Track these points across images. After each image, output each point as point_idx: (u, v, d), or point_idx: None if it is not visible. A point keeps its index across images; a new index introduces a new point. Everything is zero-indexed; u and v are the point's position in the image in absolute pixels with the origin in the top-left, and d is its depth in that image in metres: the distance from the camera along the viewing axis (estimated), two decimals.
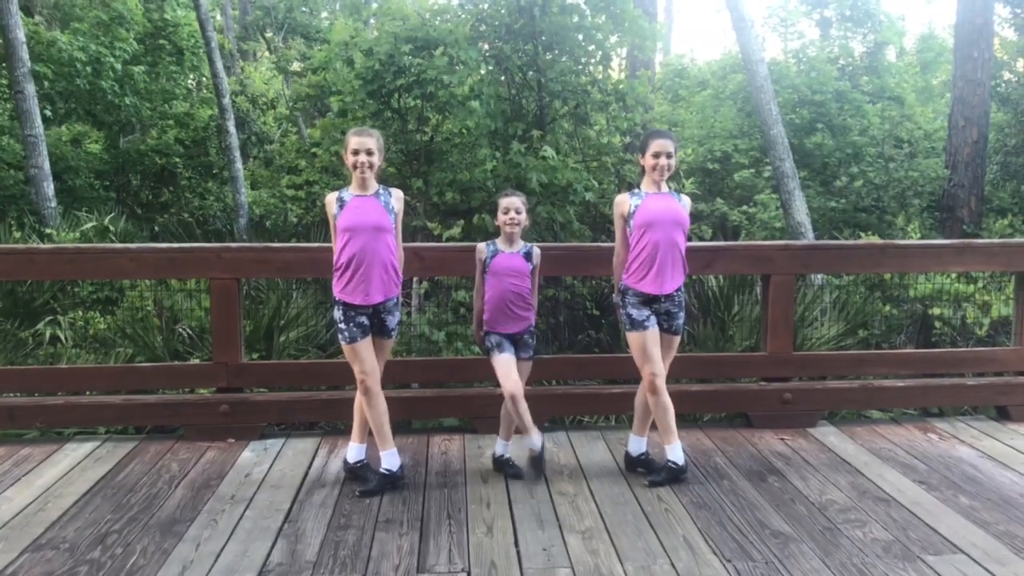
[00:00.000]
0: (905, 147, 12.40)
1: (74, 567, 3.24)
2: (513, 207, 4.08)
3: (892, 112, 13.25)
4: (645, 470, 4.23)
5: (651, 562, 3.30)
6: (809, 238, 9.62)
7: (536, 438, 4.07)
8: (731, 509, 3.83)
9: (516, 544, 3.46)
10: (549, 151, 8.19)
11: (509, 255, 4.12)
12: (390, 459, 4.05)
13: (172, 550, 3.39)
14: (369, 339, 3.96)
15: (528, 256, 4.17)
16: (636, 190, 4.16)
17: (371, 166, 3.90)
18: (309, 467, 4.38)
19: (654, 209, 4.02)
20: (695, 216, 9.77)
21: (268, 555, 3.35)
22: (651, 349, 4.03)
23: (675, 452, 4.12)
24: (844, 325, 6.91)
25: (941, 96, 16.48)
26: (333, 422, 5.12)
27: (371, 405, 3.97)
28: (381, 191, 3.99)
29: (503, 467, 4.27)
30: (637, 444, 4.30)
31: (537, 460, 4.14)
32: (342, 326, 3.93)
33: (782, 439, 4.85)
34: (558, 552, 3.39)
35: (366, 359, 3.93)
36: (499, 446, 4.31)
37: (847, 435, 4.93)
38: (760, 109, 10.20)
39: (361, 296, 3.88)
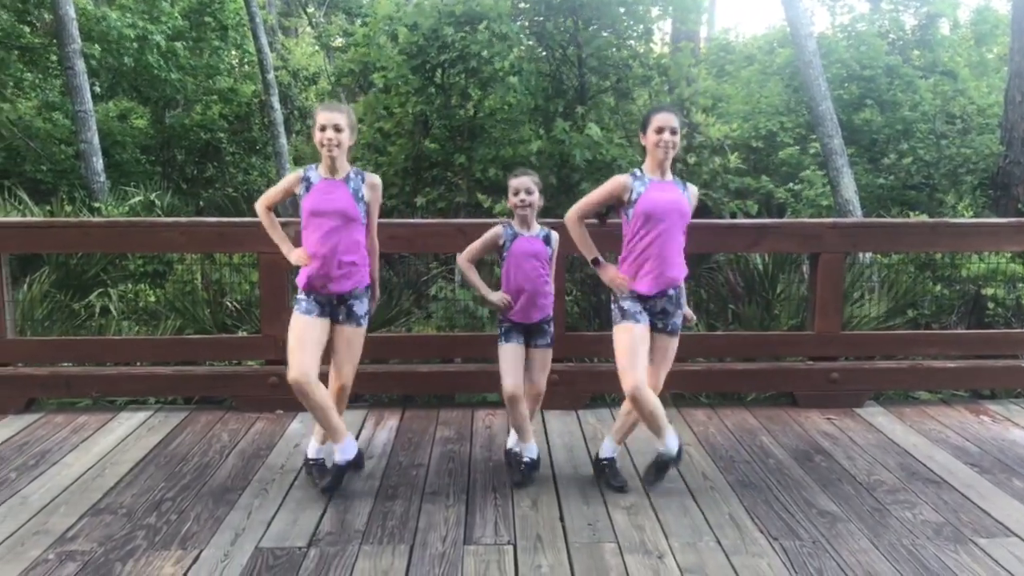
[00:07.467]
0: (958, 123, 12.03)
1: (132, 531, 3.34)
2: (523, 188, 3.74)
3: (945, 87, 12.86)
4: (611, 473, 3.84)
5: (697, 539, 3.29)
6: (857, 216, 9.43)
7: (532, 447, 3.86)
8: (777, 488, 3.80)
9: (561, 518, 3.48)
10: (594, 128, 8.12)
11: (528, 239, 3.81)
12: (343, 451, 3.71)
13: (224, 517, 3.47)
14: (319, 323, 3.62)
15: (547, 240, 3.86)
16: (638, 172, 3.66)
17: (339, 144, 3.55)
18: (356, 438, 4.41)
19: (657, 199, 3.56)
20: (741, 192, 9.63)
21: (318, 524, 3.42)
22: (637, 353, 3.52)
23: (669, 442, 3.62)
24: (892, 304, 6.78)
25: (997, 71, 15.92)
26: (378, 395, 5.17)
27: (307, 397, 3.53)
28: (352, 175, 3.66)
29: (512, 462, 3.96)
30: (608, 447, 3.91)
31: (527, 469, 3.84)
32: (300, 297, 3.63)
33: (829, 419, 4.80)
34: (603, 527, 3.40)
35: (306, 347, 3.54)
36: (511, 439, 4.04)
37: (895, 416, 4.85)
38: (808, 84, 9.98)
39: (321, 285, 3.60)
